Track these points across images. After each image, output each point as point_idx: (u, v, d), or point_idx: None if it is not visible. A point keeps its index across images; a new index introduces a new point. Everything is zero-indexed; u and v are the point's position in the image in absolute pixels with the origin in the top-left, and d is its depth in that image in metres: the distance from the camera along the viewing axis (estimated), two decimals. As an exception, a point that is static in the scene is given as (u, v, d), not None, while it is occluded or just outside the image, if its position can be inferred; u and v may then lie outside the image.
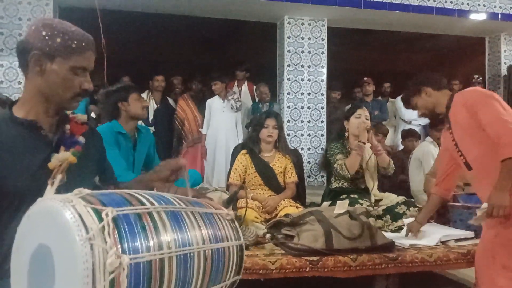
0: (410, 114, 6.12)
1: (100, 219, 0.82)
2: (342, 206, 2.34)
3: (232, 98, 5.15)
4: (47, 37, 1.19)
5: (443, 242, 2.41)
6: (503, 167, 1.91)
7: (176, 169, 1.35)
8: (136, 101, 2.79)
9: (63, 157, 1.18)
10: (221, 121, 5.24)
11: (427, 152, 4.14)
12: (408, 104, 2.39)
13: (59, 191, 1.04)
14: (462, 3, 5.89)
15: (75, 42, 1.21)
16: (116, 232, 0.83)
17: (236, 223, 1.10)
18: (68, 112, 1.33)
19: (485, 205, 1.97)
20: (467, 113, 2.09)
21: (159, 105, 5.52)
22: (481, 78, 6.46)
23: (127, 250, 0.83)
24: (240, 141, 5.10)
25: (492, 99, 2.05)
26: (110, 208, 0.85)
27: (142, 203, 0.93)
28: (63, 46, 1.19)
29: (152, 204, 0.93)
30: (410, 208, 2.85)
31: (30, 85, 1.24)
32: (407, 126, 5.89)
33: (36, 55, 1.19)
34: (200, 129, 5.42)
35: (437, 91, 2.28)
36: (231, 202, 2.73)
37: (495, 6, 6.00)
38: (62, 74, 1.21)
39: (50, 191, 1.04)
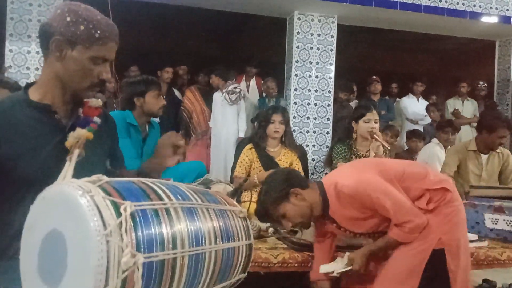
0: (416, 114, 6.12)
1: (118, 214, 0.82)
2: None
3: (226, 91, 5.16)
4: (71, 24, 1.16)
5: (446, 244, 2.40)
6: (385, 239, 1.86)
7: (175, 141, 1.36)
8: (153, 99, 2.69)
9: (79, 133, 1.17)
10: (220, 114, 5.27)
11: (432, 153, 4.13)
12: (271, 219, 1.92)
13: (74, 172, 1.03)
14: (474, 5, 5.84)
15: (99, 31, 1.18)
16: (132, 228, 0.83)
17: (248, 221, 1.10)
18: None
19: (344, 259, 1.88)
20: (356, 208, 1.84)
21: (164, 97, 5.51)
22: (486, 84, 6.42)
23: (141, 248, 0.82)
24: (240, 135, 5.13)
25: (383, 185, 1.82)
26: (129, 202, 0.84)
27: (160, 197, 0.92)
28: (86, 35, 1.17)
29: (169, 198, 0.93)
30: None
31: (48, 69, 1.23)
32: (414, 126, 5.88)
33: (58, 40, 1.17)
34: (208, 122, 5.44)
35: (306, 189, 1.87)
36: (236, 194, 2.74)
37: (507, 10, 5.95)
38: (81, 62, 1.19)
39: (69, 168, 1.04)
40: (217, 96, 5.27)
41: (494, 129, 3.28)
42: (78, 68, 1.20)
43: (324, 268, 1.92)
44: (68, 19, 1.17)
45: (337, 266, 1.90)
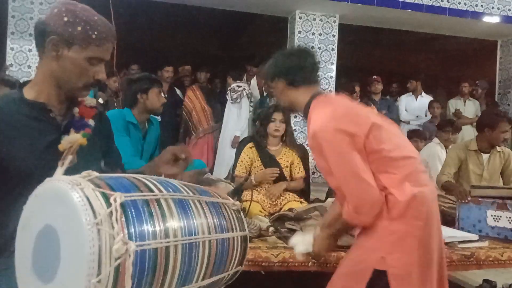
0: (409, 114, 6.11)
1: (108, 204, 0.82)
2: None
3: (229, 89, 5.23)
4: (68, 24, 1.16)
5: (446, 243, 2.40)
6: (340, 219, 1.63)
7: (178, 153, 1.37)
8: (155, 96, 2.75)
9: (73, 138, 1.17)
10: (227, 113, 5.32)
11: (433, 153, 4.13)
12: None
13: (66, 173, 1.03)
14: (476, 5, 5.83)
15: (96, 32, 1.18)
16: (123, 218, 0.83)
17: (241, 213, 1.11)
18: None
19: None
20: (318, 150, 1.62)
21: (166, 95, 5.52)
22: (481, 84, 6.40)
23: (133, 237, 0.83)
24: (236, 134, 5.15)
25: (337, 144, 1.55)
26: (119, 193, 0.84)
27: (150, 189, 0.93)
28: (83, 35, 1.17)
29: (160, 190, 0.94)
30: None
31: (44, 67, 1.23)
32: (406, 126, 5.87)
33: (54, 40, 1.17)
34: (210, 121, 5.49)
35: (292, 87, 1.73)
36: (237, 193, 2.74)
37: (509, 9, 5.94)
38: (77, 63, 1.20)
39: (59, 171, 1.04)
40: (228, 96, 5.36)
41: (495, 125, 3.30)
42: (74, 68, 1.20)
43: (298, 247, 1.76)
44: (66, 19, 1.17)
45: (302, 247, 1.75)
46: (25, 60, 5.09)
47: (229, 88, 5.26)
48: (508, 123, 3.33)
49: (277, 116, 3.12)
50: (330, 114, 1.62)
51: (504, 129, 3.30)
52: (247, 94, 5.35)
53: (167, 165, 1.37)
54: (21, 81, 4.14)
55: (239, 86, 5.28)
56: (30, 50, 5.05)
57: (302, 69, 1.74)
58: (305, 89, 1.74)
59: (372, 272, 1.55)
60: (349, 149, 1.54)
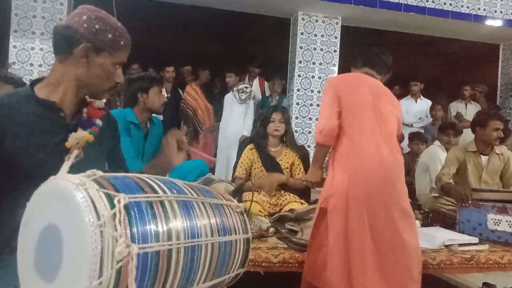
0: (411, 118, 6.10)
1: (112, 206, 0.82)
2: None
3: (236, 90, 5.21)
4: (99, 31, 1.22)
5: (447, 246, 2.40)
6: (317, 150, 2.27)
7: (179, 141, 1.45)
8: (155, 95, 2.76)
9: (80, 135, 1.20)
10: (230, 113, 5.30)
11: (434, 156, 4.12)
12: None
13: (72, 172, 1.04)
14: (479, 9, 5.83)
15: (123, 39, 1.26)
16: (126, 220, 0.83)
17: (245, 216, 1.10)
18: (86, 96, 1.34)
19: None
20: None
21: (168, 95, 5.52)
22: (481, 88, 6.38)
23: (136, 239, 0.82)
24: (244, 133, 5.15)
25: (325, 91, 2.21)
26: (123, 194, 0.84)
27: (155, 191, 0.92)
28: (113, 42, 1.24)
29: (164, 192, 0.93)
30: (415, 211, 2.84)
31: (64, 71, 1.25)
32: (409, 129, 5.85)
33: (87, 47, 1.21)
34: (211, 120, 5.48)
35: (356, 69, 2.38)
36: (237, 194, 2.74)
37: (512, 13, 5.93)
38: (105, 68, 1.25)
39: (65, 166, 1.05)
40: (228, 96, 5.34)
41: (486, 123, 3.31)
42: (102, 72, 1.26)
43: None
44: (97, 26, 1.22)
45: None
46: (27, 58, 5.08)
47: (235, 89, 5.22)
48: (499, 121, 3.31)
49: (276, 116, 3.12)
50: (337, 77, 2.39)
51: (495, 127, 3.29)
52: (254, 96, 5.37)
53: (175, 155, 1.45)
54: (24, 79, 4.14)
55: (246, 87, 5.29)
56: (32, 48, 5.05)
57: (361, 58, 2.40)
58: (362, 71, 2.33)
59: (322, 210, 2.02)
60: (329, 96, 2.13)
